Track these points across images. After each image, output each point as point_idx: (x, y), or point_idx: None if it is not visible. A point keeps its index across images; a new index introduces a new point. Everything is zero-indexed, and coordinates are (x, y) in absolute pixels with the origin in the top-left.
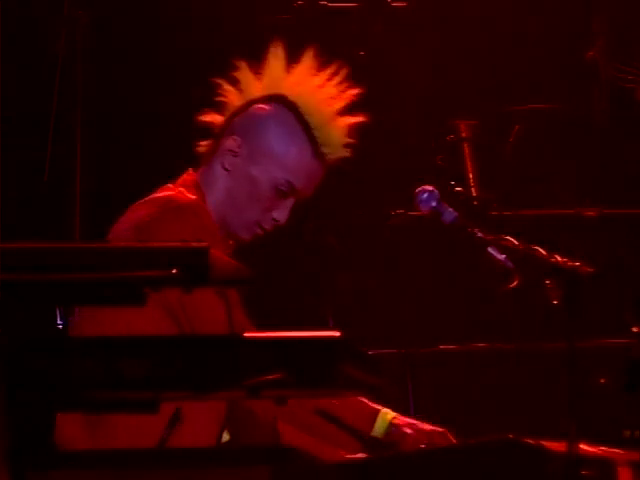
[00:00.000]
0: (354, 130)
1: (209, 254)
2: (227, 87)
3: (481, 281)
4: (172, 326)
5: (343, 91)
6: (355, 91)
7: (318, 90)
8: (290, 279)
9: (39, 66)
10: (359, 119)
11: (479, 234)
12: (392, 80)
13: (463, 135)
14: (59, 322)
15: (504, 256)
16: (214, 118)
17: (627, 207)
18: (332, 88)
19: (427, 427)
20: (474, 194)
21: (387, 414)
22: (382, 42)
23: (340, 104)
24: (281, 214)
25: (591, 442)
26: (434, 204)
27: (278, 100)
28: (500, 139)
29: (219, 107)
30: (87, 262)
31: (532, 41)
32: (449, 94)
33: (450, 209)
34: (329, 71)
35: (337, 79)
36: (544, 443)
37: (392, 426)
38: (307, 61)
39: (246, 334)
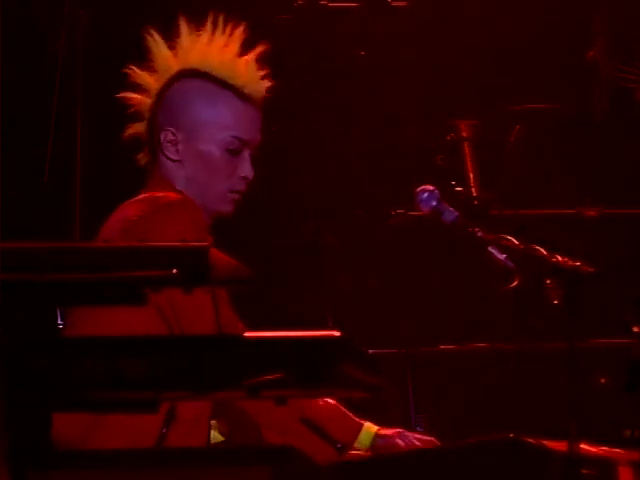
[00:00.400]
0: (261, 61)
1: (209, 254)
2: (140, 72)
3: (481, 281)
4: (161, 324)
5: (231, 34)
6: (240, 27)
7: (212, 47)
8: (290, 279)
9: (39, 66)
10: (258, 49)
11: (479, 234)
12: (392, 80)
13: (463, 135)
14: (59, 322)
15: (504, 256)
16: (137, 128)
17: (627, 207)
18: (220, 38)
19: (416, 435)
20: (474, 194)
21: (371, 427)
22: (382, 42)
23: (234, 47)
24: (245, 169)
25: (591, 442)
26: (434, 204)
27: (188, 74)
28: (500, 139)
29: (138, 90)
30: (87, 262)
31: (532, 41)
32: (449, 94)
33: (450, 209)
34: (210, 27)
35: (219, 29)
36: (544, 443)
37: (378, 437)
38: (185, 31)
39: (246, 334)
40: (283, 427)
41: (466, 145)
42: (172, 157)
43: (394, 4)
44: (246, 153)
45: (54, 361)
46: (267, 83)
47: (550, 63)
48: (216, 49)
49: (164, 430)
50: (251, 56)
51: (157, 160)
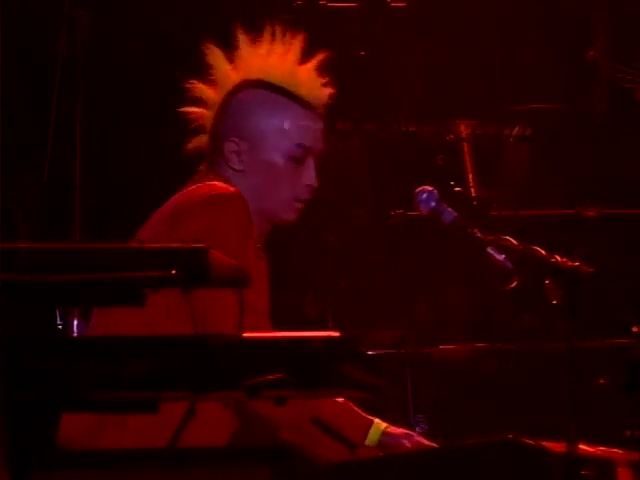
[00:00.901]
0: (322, 68)
1: (208, 254)
2: (201, 85)
3: (481, 281)
4: (190, 327)
5: (290, 43)
6: (299, 36)
7: (271, 57)
8: (290, 279)
9: (39, 66)
10: (318, 57)
11: (478, 234)
12: (392, 80)
13: (463, 135)
14: (59, 322)
15: (503, 256)
16: (199, 141)
17: (627, 207)
18: (279, 47)
19: (422, 440)
20: (474, 194)
21: (380, 424)
22: (382, 42)
23: (294, 55)
24: (310, 177)
25: (591, 442)
26: (434, 204)
27: (249, 85)
28: (500, 139)
29: (198, 104)
30: (87, 262)
31: (532, 41)
32: (449, 94)
33: (450, 209)
34: (268, 37)
35: (279, 39)
36: (544, 443)
37: (386, 435)
38: (264, 43)
39: (246, 334)
40: (295, 429)
41: (466, 145)
42: (236, 167)
43: (393, 4)
44: (310, 161)
45: (54, 361)
46: (328, 90)
47: (550, 63)
48: (276, 59)
49: (183, 425)
50: (311, 64)
51: (217, 169)
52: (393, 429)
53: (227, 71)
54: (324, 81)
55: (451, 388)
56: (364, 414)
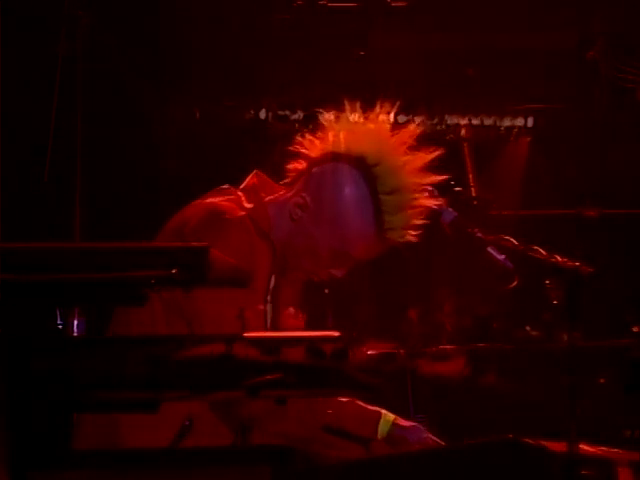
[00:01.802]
0: (426, 212)
1: (208, 254)
2: (311, 139)
3: (481, 281)
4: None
5: (417, 152)
6: (435, 152)
7: (395, 152)
8: None
9: (39, 66)
10: (436, 201)
11: (479, 234)
12: (392, 80)
13: (463, 135)
14: (59, 322)
15: (504, 256)
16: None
17: (627, 207)
18: (408, 150)
19: (429, 435)
20: (474, 194)
21: (388, 415)
22: (382, 42)
23: (415, 166)
24: (338, 272)
25: (591, 442)
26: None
27: (356, 162)
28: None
29: (297, 157)
30: (87, 262)
31: (532, 41)
32: (449, 94)
33: (449, 209)
34: (407, 130)
35: (411, 137)
36: (544, 443)
37: (394, 427)
38: (384, 118)
39: (246, 334)
40: (309, 440)
41: (466, 145)
42: (292, 215)
43: (393, 4)
44: (350, 262)
45: (54, 361)
46: (412, 237)
47: (550, 63)
48: (375, 137)
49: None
50: (421, 202)
51: (284, 196)
52: (402, 421)
53: (333, 140)
54: (417, 223)
55: (451, 388)
56: (370, 407)
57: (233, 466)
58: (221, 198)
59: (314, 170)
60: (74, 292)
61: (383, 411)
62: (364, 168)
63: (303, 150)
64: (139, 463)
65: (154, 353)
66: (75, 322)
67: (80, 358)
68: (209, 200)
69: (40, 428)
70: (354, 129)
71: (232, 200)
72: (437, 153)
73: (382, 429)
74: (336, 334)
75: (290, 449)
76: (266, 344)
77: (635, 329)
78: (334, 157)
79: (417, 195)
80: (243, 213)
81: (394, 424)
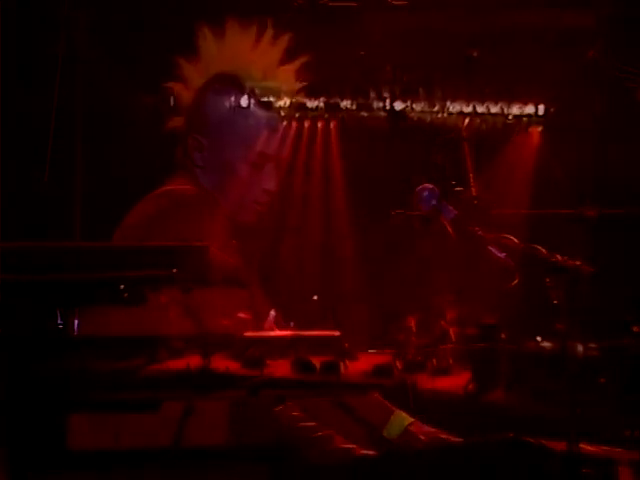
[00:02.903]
0: (301, 73)
1: (208, 254)
2: (186, 63)
3: (483, 281)
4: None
5: (274, 42)
6: (287, 35)
7: (251, 52)
8: (290, 279)
9: (39, 66)
10: (302, 60)
11: (479, 232)
12: (392, 79)
13: (463, 134)
14: (59, 322)
15: (504, 254)
16: (176, 122)
17: (627, 207)
18: (264, 44)
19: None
20: (474, 193)
21: (404, 417)
22: (382, 42)
23: (277, 54)
24: (269, 183)
25: (591, 442)
26: (434, 202)
27: (225, 81)
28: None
29: (176, 111)
30: (87, 262)
31: (532, 41)
32: (449, 94)
33: (450, 207)
34: (256, 31)
35: (266, 35)
36: (544, 442)
37: (408, 433)
38: (233, 31)
39: (246, 334)
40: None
41: (466, 144)
42: (197, 163)
43: (394, 3)
44: (270, 167)
45: (54, 361)
46: (302, 97)
47: (550, 63)
48: (259, 56)
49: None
50: (292, 66)
51: (186, 161)
52: (419, 427)
53: (212, 55)
54: (301, 86)
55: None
56: (390, 405)
57: (231, 464)
58: (173, 185)
59: (197, 102)
60: (74, 292)
61: (398, 411)
62: (229, 80)
63: (182, 72)
64: (138, 462)
65: (154, 353)
66: (75, 322)
67: (79, 358)
68: (161, 189)
69: (40, 428)
70: (246, 50)
71: (184, 183)
72: (304, 59)
73: (394, 427)
74: (337, 334)
75: (288, 447)
76: (249, 357)
77: (635, 329)
78: (222, 79)
79: None
80: (198, 190)
81: (407, 430)
